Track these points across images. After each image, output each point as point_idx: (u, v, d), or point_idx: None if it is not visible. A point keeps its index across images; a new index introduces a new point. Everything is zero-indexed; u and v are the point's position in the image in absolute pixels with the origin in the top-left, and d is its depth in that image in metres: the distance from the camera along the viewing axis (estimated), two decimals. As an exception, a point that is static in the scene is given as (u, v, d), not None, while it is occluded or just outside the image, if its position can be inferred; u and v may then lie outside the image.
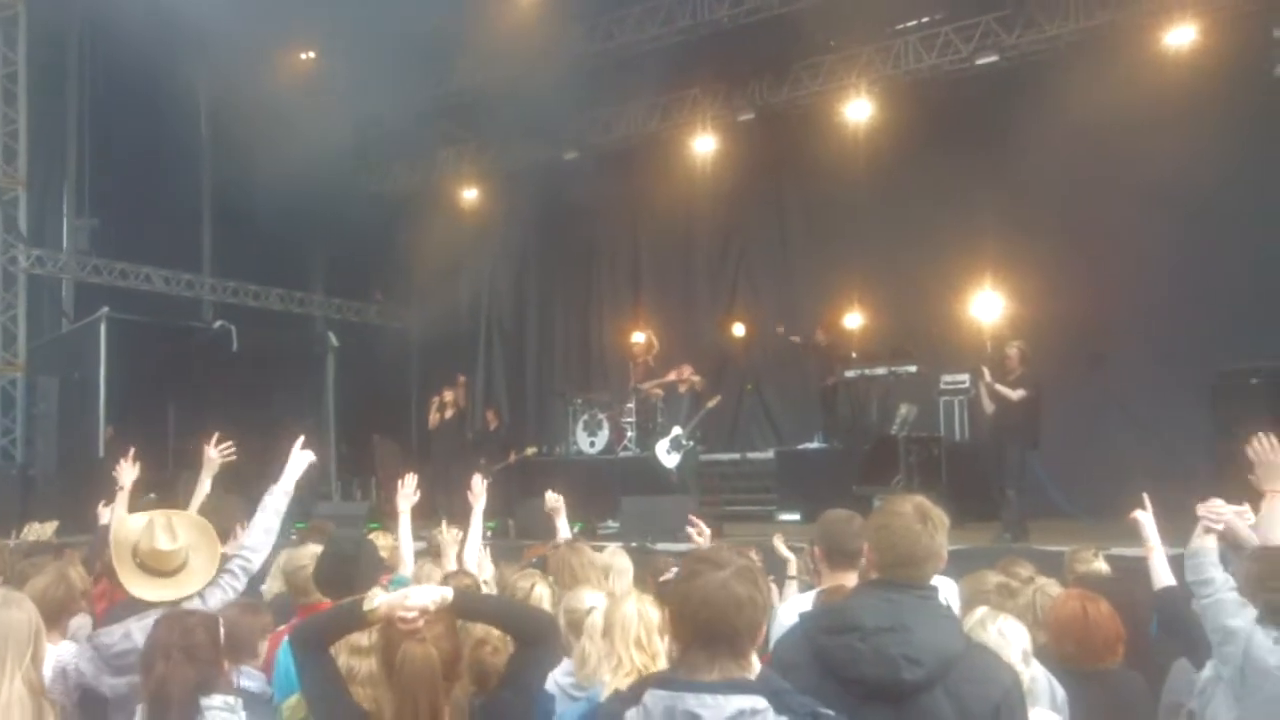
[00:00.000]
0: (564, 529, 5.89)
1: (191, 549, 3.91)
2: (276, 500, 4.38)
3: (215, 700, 3.11)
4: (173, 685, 3.03)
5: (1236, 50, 11.49)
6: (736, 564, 2.36)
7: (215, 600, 3.94)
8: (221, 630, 3.34)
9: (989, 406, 10.17)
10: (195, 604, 3.85)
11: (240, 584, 4.13)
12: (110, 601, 4.63)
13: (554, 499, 5.95)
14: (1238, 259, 11.65)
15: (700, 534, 5.43)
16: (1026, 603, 4.31)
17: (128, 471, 5.86)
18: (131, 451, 5.97)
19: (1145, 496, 4.39)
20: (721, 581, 2.31)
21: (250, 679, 3.64)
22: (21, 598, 3.41)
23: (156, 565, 3.81)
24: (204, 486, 5.12)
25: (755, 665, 2.40)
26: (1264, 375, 8.84)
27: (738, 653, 2.32)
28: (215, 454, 5.23)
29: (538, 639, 3.02)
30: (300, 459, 4.50)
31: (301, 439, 4.53)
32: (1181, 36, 11.93)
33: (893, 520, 2.73)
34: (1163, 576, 4.16)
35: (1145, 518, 4.33)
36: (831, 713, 2.30)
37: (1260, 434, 3.94)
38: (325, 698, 2.97)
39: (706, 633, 2.32)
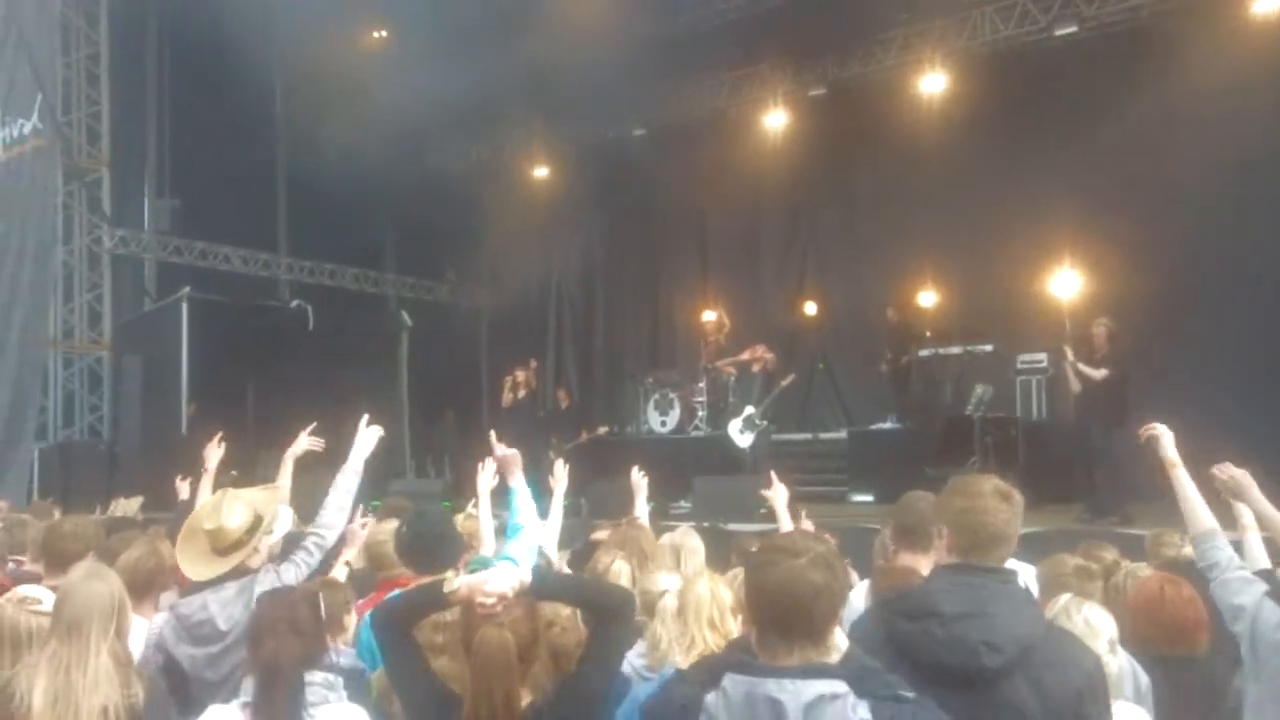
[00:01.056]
0: (642, 507, 5.88)
1: (252, 526, 3.98)
2: (348, 479, 4.42)
3: (316, 677, 3.15)
4: (283, 660, 3.08)
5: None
6: (813, 551, 2.35)
7: (290, 576, 3.99)
8: (322, 604, 3.40)
9: (1075, 386, 9.96)
10: (271, 580, 3.92)
11: (315, 560, 4.18)
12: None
13: (638, 476, 5.94)
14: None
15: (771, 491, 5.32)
16: (1114, 585, 4.23)
17: (214, 453, 5.89)
18: (219, 434, 6.00)
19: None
20: (798, 569, 2.32)
21: (342, 655, 3.70)
22: (107, 571, 3.47)
23: (219, 543, 3.90)
24: (287, 469, 5.17)
25: (837, 648, 2.39)
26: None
27: (816, 639, 2.32)
28: (308, 441, 5.23)
29: (616, 616, 3.02)
30: (368, 436, 4.52)
31: (367, 417, 4.56)
32: (1271, 3, 11.53)
33: (975, 501, 2.68)
34: (1258, 558, 4.05)
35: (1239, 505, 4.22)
36: (913, 695, 2.29)
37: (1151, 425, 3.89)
38: (409, 678, 3.00)
39: (783, 620, 2.33)
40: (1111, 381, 9.55)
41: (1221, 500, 3.99)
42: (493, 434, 4.15)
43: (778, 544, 2.45)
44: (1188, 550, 4.91)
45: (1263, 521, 3.95)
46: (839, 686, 2.25)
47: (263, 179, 17.14)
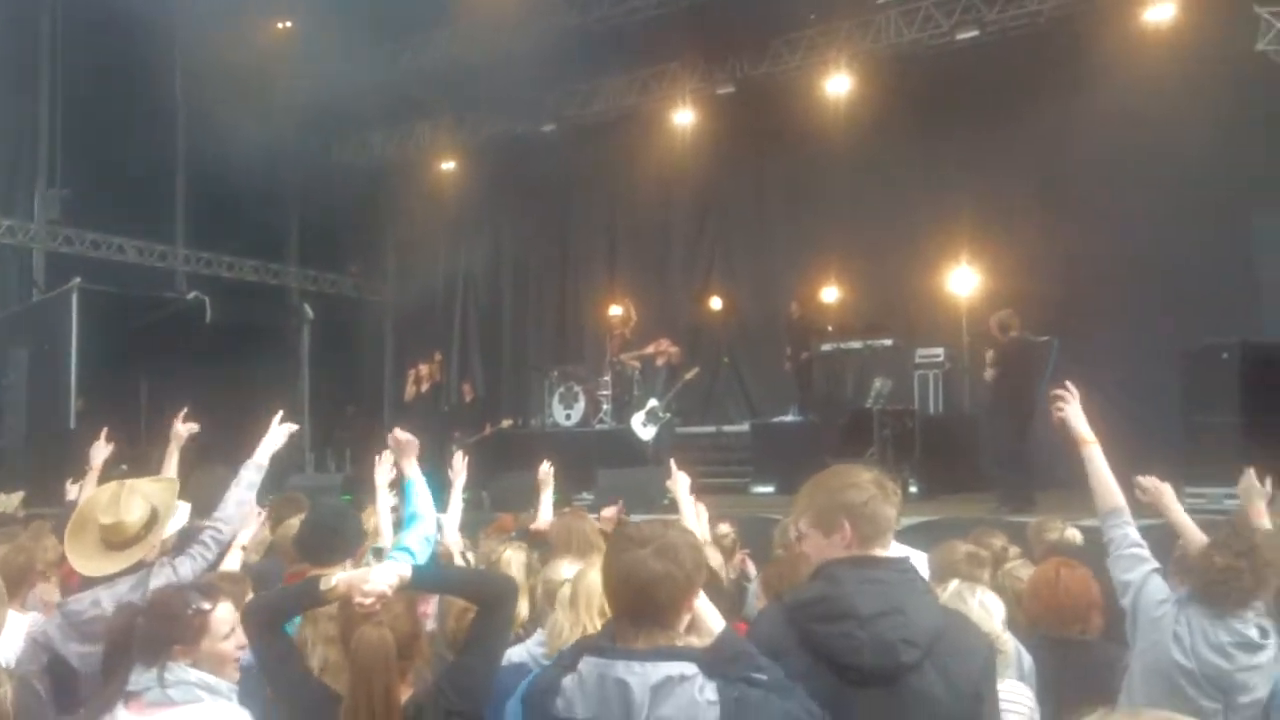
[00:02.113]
0: (547, 502, 5.88)
1: (150, 521, 3.90)
2: (250, 473, 4.39)
3: (191, 676, 3.07)
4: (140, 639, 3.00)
5: (1218, 26, 11.49)
6: (659, 540, 2.45)
7: (186, 570, 3.94)
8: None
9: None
10: (167, 574, 3.84)
11: (211, 554, 4.14)
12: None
13: (545, 470, 5.92)
14: (1214, 235, 11.72)
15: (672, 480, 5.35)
16: (1006, 571, 4.35)
17: (99, 450, 5.73)
18: (104, 431, 5.83)
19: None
20: (641, 558, 2.43)
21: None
22: None
23: (115, 537, 3.80)
24: (172, 461, 5.07)
25: (709, 632, 2.51)
26: (1233, 350, 8.88)
27: (663, 623, 2.43)
28: (182, 429, 5.17)
29: (495, 604, 3.01)
30: (278, 433, 4.49)
31: (281, 414, 4.50)
32: (1162, 13, 11.94)
33: (870, 492, 2.69)
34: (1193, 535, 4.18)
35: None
36: (768, 678, 2.37)
37: (1061, 392, 3.97)
38: (281, 676, 2.93)
39: (630, 606, 2.46)
40: (1002, 379, 9.75)
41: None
42: (396, 430, 4.14)
43: (629, 533, 2.54)
44: (1070, 533, 5.10)
45: (1178, 530, 4.07)
46: (687, 668, 2.34)
47: (160, 169, 16.64)
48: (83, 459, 5.87)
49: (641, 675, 2.34)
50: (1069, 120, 12.78)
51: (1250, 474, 4.50)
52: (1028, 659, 3.63)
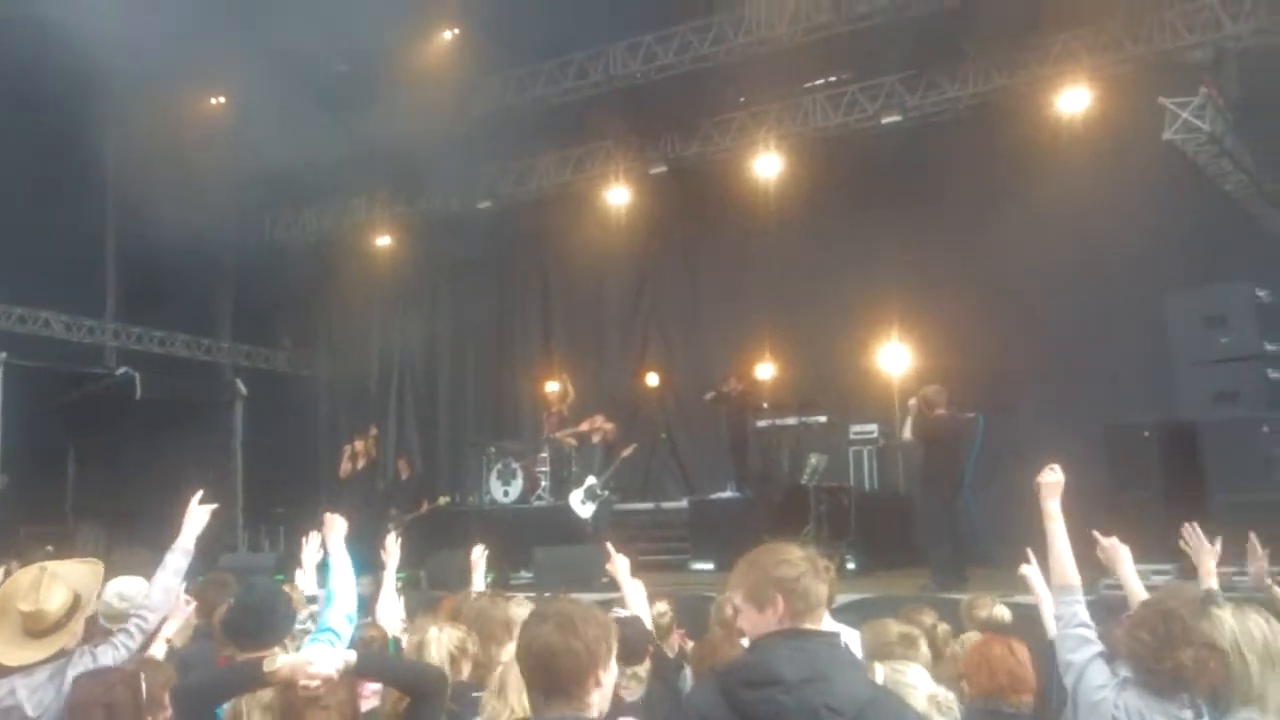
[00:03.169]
0: (479, 583, 5.86)
1: (71, 608, 3.83)
2: (176, 559, 4.31)
3: None
4: None
5: (1127, 114, 11.98)
6: (562, 615, 2.55)
7: (108, 659, 3.85)
8: (143, 687, 3.28)
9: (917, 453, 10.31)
10: (87, 663, 3.77)
11: (135, 644, 4.05)
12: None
13: (478, 553, 5.91)
14: (1131, 314, 12.09)
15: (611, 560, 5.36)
16: (952, 654, 4.42)
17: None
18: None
19: (1029, 551, 4.59)
20: (541, 633, 2.53)
21: None
22: None
23: (36, 625, 3.73)
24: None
25: (594, 705, 2.55)
26: (1154, 429, 9.15)
27: (567, 695, 2.50)
28: (199, 507, 4.81)
29: (426, 694, 3.04)
30: (199, 515, 4.39)
31: (200, 494, 4.42)
32: (1075, 101, 12.42)
33: (802, 568, 2.79)
34: (1052, 627, 4.29)
35: (1031, 571, 4.52)
36: None
37: (1052, 466, 4.09)
38: None
39: (533, 678, 2.55)
40: (934, 454, 9.90)
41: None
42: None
43: (537, 609, 2.67)
44: (998, 610, 5.21)
45: (1126, 591, 4.15)
46: None
47: (89, 242, 16.45)
48: (5, 535, 5.68)
49: None
50: (991, 202, 13.19)
51: (1196, 530, 4.58)
52: None
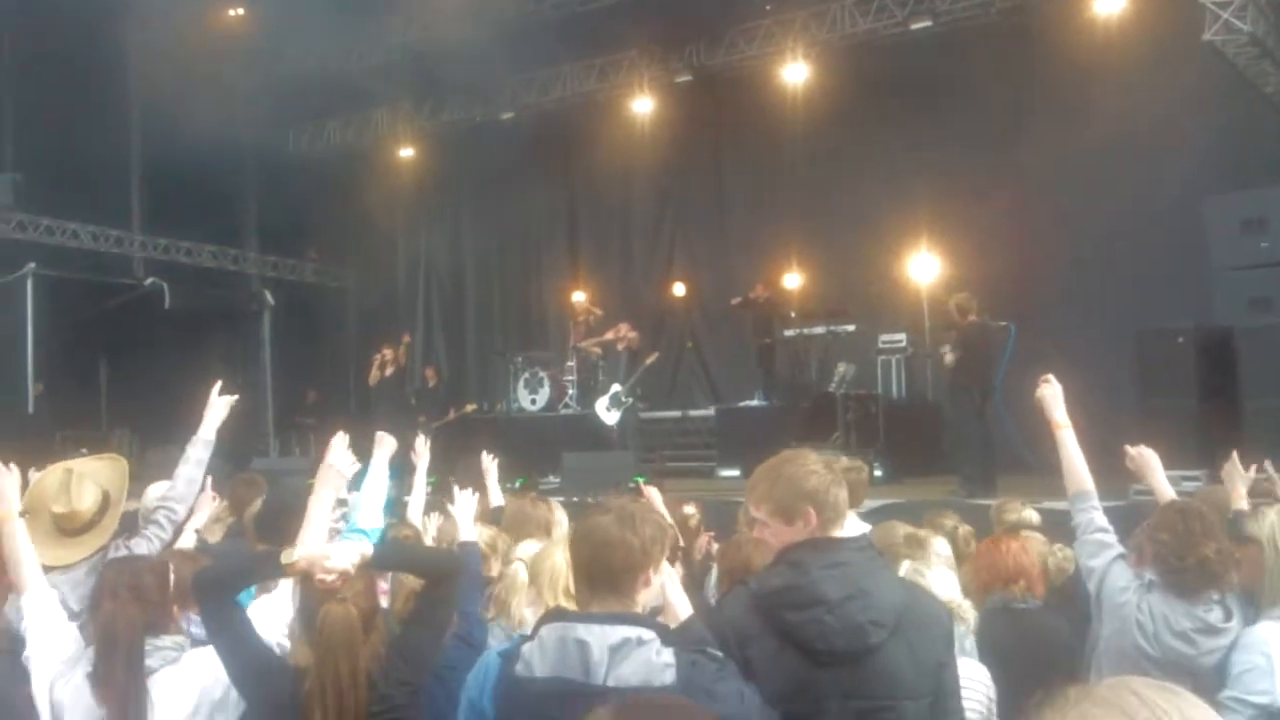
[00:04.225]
0: (494, 490, 5.87)
1: (103, 505, 3.87)
2: (198, 450, 4.30)
3: (164, 641, 3.09)
4: (120, 623, 3.00)
5: (1166, 16, 11.65)
6: (620, 510, 2.54)
7: (141, 550, 3.91)
8: (171, 576, 3.31)
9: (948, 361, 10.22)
10: (122, 556, 3.82)
11: (166, 534, 4.10)
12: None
13: (487, 459, 5.92)
14: (1166, 219, 11.88)
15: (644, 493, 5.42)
16: (956, 555, 4.43)
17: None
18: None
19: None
20: (601, 523, 2.52)
21: (194, 624, 3.61)
22: None
23: (69, 525, 3.77)
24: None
25: (676, 617, 2.60)
26: (1189, 335, 9.02)
27: (618, 590, 2.49)
28: (219, 398, 4.51)
29: (443, 579, 3.06)
30: (219, 406, 4.34)
31: (220, 384, 4.40)
32: (1112, 3, 12.10)
33: (828, 475, 2.74)
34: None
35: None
36: (721, 655, 2.47)
37: (1047, 375, 4.03)
38: (240, 648, 2.88)
39: (586, 569, 2.55)
40: (963, 361, 9.83)
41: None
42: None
43: (597, 503, 2.65)
44: (1027, 514, 5.19)
45: (1159, 497, 4.01)
46: (645, 633, 2.41)
47: (115, 155, 16.42)
48: (43, 442, 5.72)
49: (600, 636, 2.41)
50: (1023, 108, 12.95)
51: (1234, 458, 4.52)
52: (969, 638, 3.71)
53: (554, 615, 2.56)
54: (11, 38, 15.16)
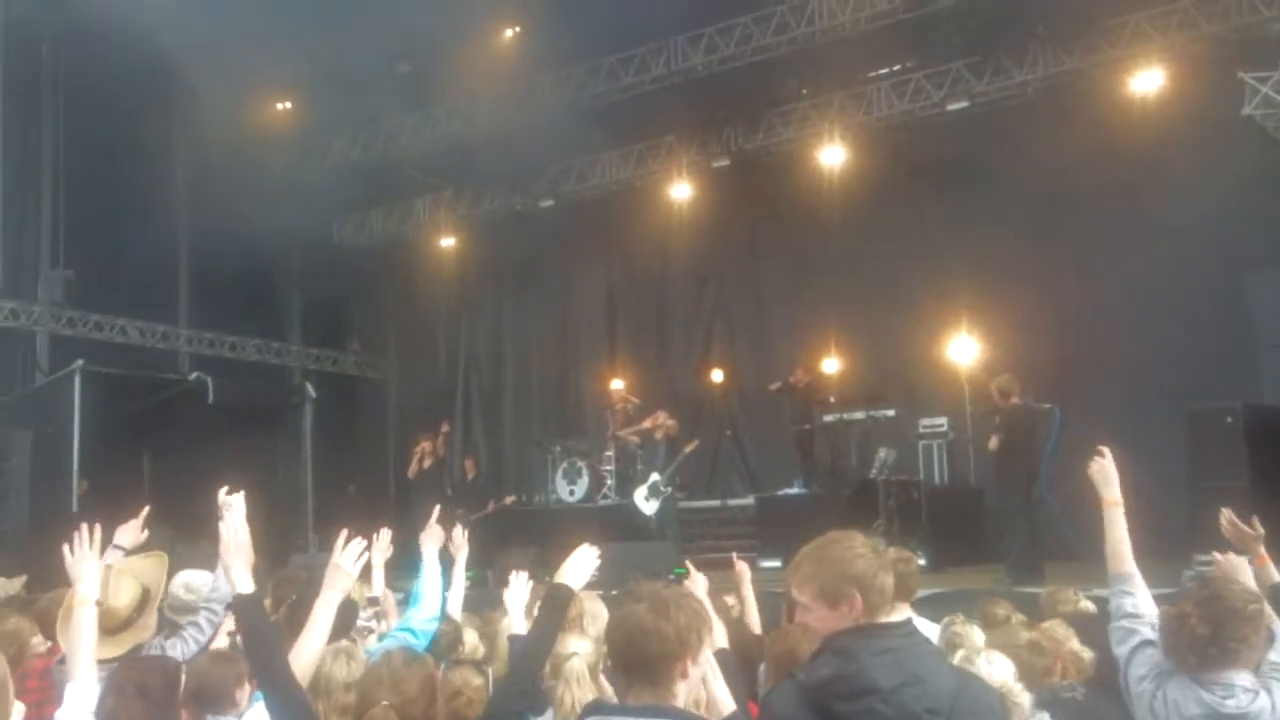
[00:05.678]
0: (459, 571, 5.64)
1: (141, 603, 3.86)
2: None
3: None
4: None
5: (1204, 92, 11.69)
6: (657, 597, 2.48)
7: (176, 652, 3.89)
8: (183, 677, 3.27)
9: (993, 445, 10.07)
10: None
11: (204, 636, 4.08)
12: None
13: (460, 537, 5.70)
14: (1209, 297, 11.78)
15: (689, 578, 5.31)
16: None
17: (130, 532, 4.77)
18: (145, 511, 4.93)
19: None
20: (635, 612, 2.46)
21: None
22: None
23: (108, 622, 3.76)
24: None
25: (680, 696, 2.48)
26: (1238, 414, 8.86)
27: (654, 681, 2.43)
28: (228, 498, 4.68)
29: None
30: (238, 504, 4.24)
31: (226, 488, 4.29)
32: (1149, 81, 12.17)
33: (876, 560, 2.68)
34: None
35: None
36: None
37: (1101, 447, 3.92)
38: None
39: (620, 659, 2.51)
40: (1009, 445, 9.68)
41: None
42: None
43: (632, 590, 2.57)
44: (1084, 604, 5.05)
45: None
46: None
47: (162, 249, 16.72)
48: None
49: None
50: (1062, 187, 12.94)
51: (1228, 515, 4.39)
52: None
53: (593, 708, 2.52)
54: (61, 135, 15.58)
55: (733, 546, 13.26)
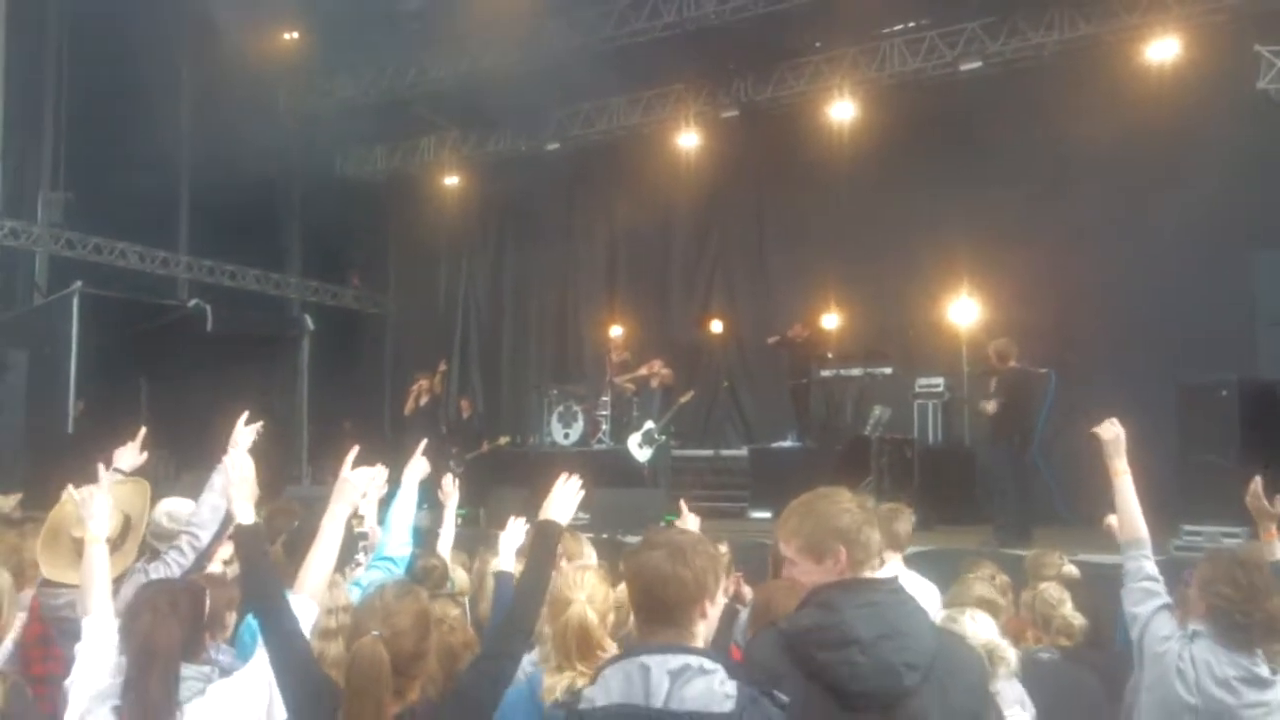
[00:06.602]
0: (450, 516, 5.67)
1: (124, 530, 3.88)
2: (222, 477, 4.30)
3: (191, 670, 3.09)
4: (160, 637, 2.98)
5: (1219, 64, 11.60)
6: (673, 544, 2.55)
7: (159, 575, 3.89)
8: (208, 602, 3.32)
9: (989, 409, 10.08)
10: (139, 579, 3.82)
11: (188, 560, 4.08)
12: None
13: (449, 484, 5.70)
14: (1213, 270, 11.75)
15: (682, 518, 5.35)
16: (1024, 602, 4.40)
17: (129, 455, 4.82)
18: (142, 432, 4.99)
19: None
20: (654, 558, 2.53)
21: (222, 653, 3.61)
22: None
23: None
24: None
25: (700, 636, 2.55)
26: (1232, 388, 8.88)
27: (674, 623, 2.51)
28: (245, 427, 4.38)
29: (527, 635, 3.06)
30: (245, 434, 4.23)
31: (246, 414, 4.28)
32: (1165, 50, 12.07)
33: (862, 516, 2.71)
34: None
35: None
36: (786, 700, 2.40)
37: (1110, 419, 3.94)
38: (289, 657, 2.94)
39: (641, 603, 2.57)
40: (1004, 408, 9.71)
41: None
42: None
43: (650, 537, 2.63)
44: (1067, 568, 5.12)
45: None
46: (708, 663, 2.41)
47: (165, 176, 16.63)
48: (82, 461, 5.65)
49: (661, 661, 2.42)
50: (1071, 153, 12.86)
51: (1257, 485, 4.39)
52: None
53: (617, 656, 2.56)
54: (64, 57, 15.45)
55: (724, 496, 13.45)
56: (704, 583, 2.53)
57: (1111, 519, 4.39)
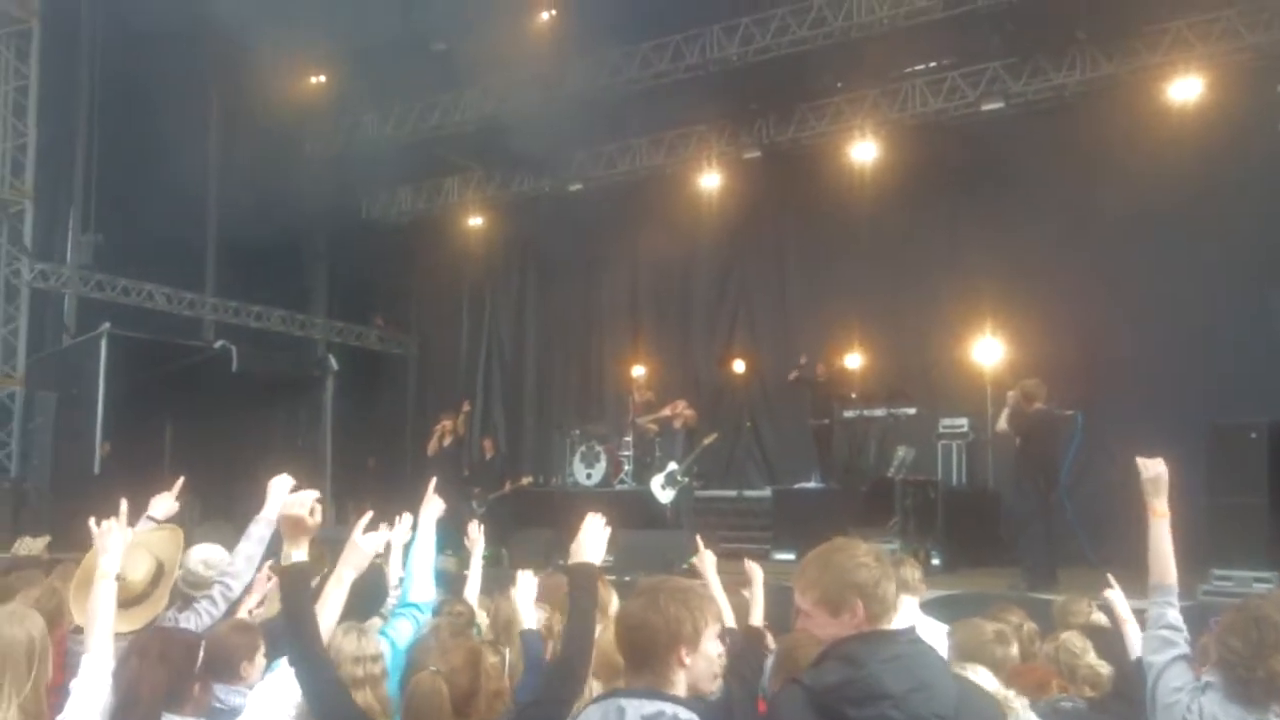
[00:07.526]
0: (475, 564, 5.65)
1: (155, 576, 3.88)
2: (260, 528, 4.29)
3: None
4: (144, 684, 2.98)
5: (1241, 104, 11.60)
6: (649, 590, 2.59)
7: (189, 625, 3.91)
8: (202, 652, 3.30)
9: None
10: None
11: (219, 610, 4.09)
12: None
13: (474, 529, 5.70)
14: (1238, 312, 11.68)
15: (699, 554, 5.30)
16: (1021, 653, 4.31)
17: (164, 503, 4.75)
18: (180, 482, 4.94)
19: (1110, 577, 4.44)
20: (633, 605, 2.59)
21: (235, 695, 3.58)
22: (27, 613, 3.26)
23: (122, 595, 3.77)
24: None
25: (679, 684, 2.55)
26: (1263, 431, 8.77)
27: (652, 669, 2.53)
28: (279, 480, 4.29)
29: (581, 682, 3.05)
30: (279, 485, 4.20)
31: (284, 475, 4.34)
32: (1187, 90, 12.07)
33: (879, 569, 2.68)
34: (1136, 648, 4.14)
35: (1115, 595, 4.37)
36: None
37: (1157, 458, 3.88)
38: (322, 691, 2.94)
39: (621, 649, 2.63)
40: (1030, 450, 9.63)
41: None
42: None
43: (642, 583, 2.70)
44: (1096, 617, 5.03)
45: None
46: (683, 712, 2.44)
47: (192, 217, 16.84)
48: (108, 503, 5.63)
49: (637, 706, 2.46)
50: (1094, 193, 12.85)
51: None
52: None
53: (600, 696, 2.61)
54: (96, 102, 15.69)
55: (748, 538, 13.34)
56: (676, 631, 2.53)
57: (1109, 592, 4.36)
